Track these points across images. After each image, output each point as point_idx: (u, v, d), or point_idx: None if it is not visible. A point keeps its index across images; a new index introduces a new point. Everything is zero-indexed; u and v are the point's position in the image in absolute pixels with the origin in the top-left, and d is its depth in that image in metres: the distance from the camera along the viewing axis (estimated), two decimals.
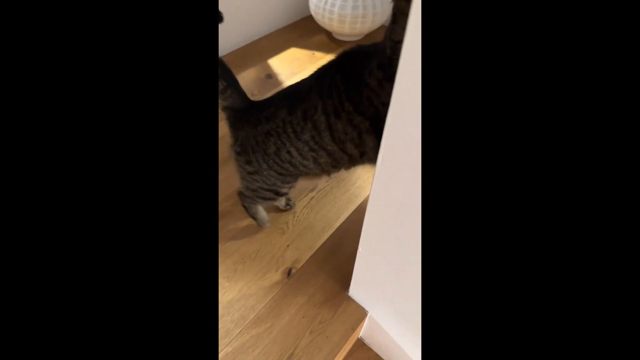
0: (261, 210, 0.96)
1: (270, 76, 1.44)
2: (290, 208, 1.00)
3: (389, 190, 0.52)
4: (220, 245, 0.94)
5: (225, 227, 0.97)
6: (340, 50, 1.54)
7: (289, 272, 0.89)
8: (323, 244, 0.95)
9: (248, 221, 0.99)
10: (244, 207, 0.95)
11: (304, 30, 1.69)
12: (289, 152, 0.73)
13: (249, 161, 0.79)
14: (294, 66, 1.49)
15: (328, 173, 0.79)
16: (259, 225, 0.97)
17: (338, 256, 0.92)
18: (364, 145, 0.68)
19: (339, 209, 1.02)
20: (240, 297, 0.85)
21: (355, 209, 1.02)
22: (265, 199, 0.87)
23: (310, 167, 0.76)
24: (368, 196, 1.04)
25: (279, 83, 1.41)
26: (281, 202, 0.97)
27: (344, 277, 0.88)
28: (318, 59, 1.52)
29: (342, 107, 0.65)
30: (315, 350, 0.78)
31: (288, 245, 0.94)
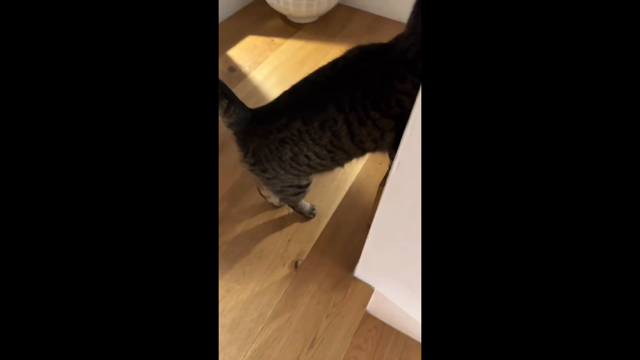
0: (305, 204, 1.00)
1: (233, 69, 1.41)
2: (313, 217, 1.03)
3: (401, 192, 0.58)
4: (221, 251, 0.96)
5: (223, 233, 0.99)
6: (300, 37, 1.54)
7: (295, 265, 0.95)
8: (322, 233, 1.00)
9: (244, 224, 1.01)
10: (291, 207, 1.00)
11: (256, 15, 1.64)
12: (307, 157, 0.76)
13: (264, 169, 0.80)
14: (255, 55, 1.46)
15: (342, 165, 0.82)
16: (307, 216, 1.02)
17: (338, 242, 0.99)
18: (383, 141, 0.73)
19: (329, 198, 1.08)
20: (254, 296, 0.90)
21: (345, 195, 1.08)
22: (295, 194, 0.90)
23: (328, 165, 0.80)
24: (355, 181, 1.12)
25: (243, 75, 1.38)
26: (307, 206, 1.01)
27: (348, 260, 0.95)
28: (278, 45, 1.50)
29: (367, 117, 0.68)
30: (335, 331, 0.86)
31: (289, 240, 0.99)
